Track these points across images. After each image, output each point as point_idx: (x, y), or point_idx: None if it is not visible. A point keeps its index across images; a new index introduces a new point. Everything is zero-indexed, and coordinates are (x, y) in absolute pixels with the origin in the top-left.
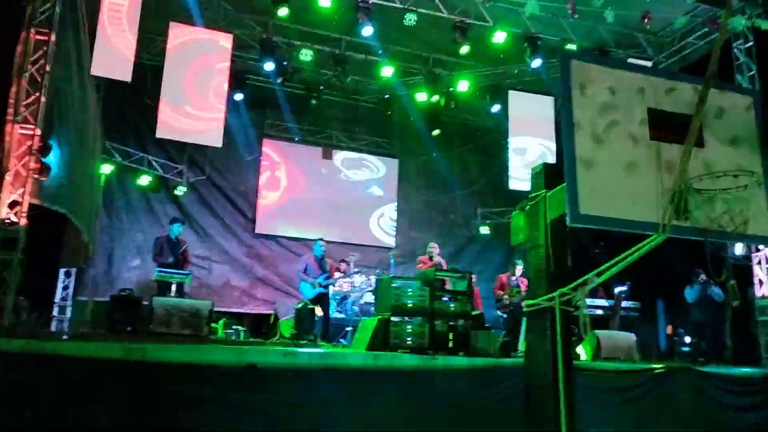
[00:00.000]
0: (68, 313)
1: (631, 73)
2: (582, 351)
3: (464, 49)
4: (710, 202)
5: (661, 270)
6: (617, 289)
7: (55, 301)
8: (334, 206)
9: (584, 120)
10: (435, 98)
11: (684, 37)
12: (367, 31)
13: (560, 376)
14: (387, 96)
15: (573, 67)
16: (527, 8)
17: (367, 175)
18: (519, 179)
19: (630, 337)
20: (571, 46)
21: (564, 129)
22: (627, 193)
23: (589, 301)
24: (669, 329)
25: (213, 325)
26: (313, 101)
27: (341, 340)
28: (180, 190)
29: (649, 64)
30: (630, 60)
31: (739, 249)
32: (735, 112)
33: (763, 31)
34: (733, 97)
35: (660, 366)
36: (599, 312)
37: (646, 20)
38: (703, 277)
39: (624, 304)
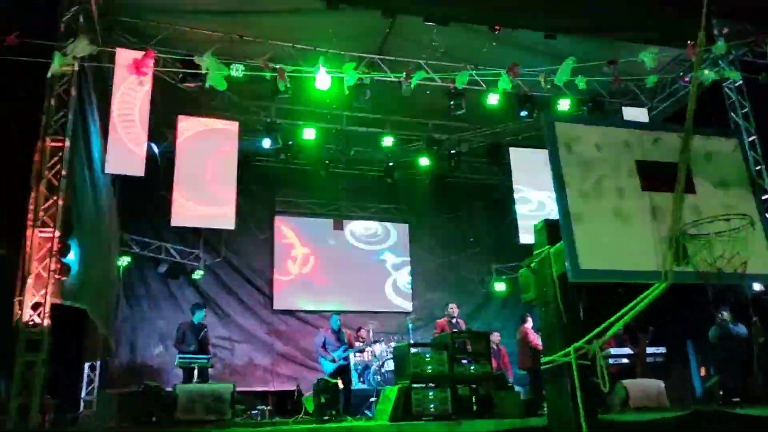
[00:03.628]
0: (95, 408)
1: (615, 129)
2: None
3: (460, 113)
4: (708, 246)
5: (687, 311)
6: (641, 336)
7: (82, 396)
8: (349, 276)
9: (573, 177)
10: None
11: (675, 80)
12: (359, 101)
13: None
14: (391, 164)
15: (557, 128)
16: (500, 84)
17: (379, 242)
18: (529, 233)
19: (659, 384)
20: (564, 101)
21: (555, 188)
22: (625, 244)
23: (613, 350)
24: (702, 371)
25: (239, 406)
26: (321, 175)
27: (366, 411)
28: (197, 274)
29: (643, 110)
30: (624, 108)
31: (758, 285)
32: (722, 155)
33: (752, 68)
34: (718, 141)
35: (687, 411)
36: (624, 361)
37: (615, 83)
38: (725, 314)
39: (650, 350)
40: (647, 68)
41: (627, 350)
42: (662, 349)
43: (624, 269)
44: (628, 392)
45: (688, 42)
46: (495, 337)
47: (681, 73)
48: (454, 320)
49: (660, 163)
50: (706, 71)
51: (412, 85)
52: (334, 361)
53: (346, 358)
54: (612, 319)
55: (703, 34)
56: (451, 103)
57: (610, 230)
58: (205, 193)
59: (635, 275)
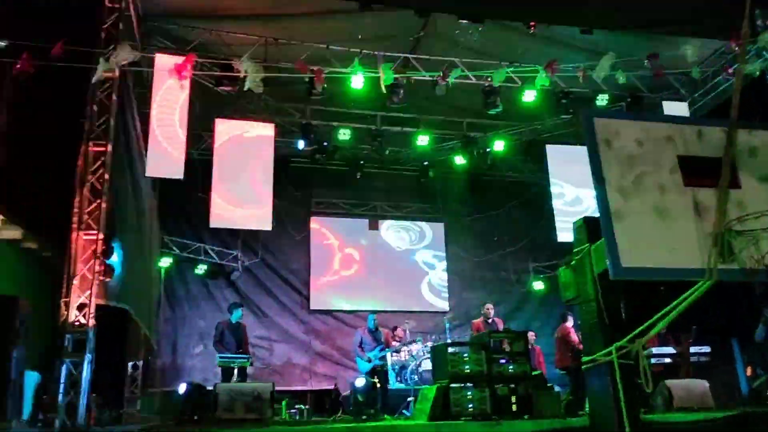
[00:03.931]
0: (138, 406)
1: (657, 123)
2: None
3: (496, 111)
4: (755, 242)
5: (732, 310)
6: (684, 335)
7: (125, 394)
8: (385, 275)
9: (613, 174)
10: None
11: (717, 73)
12: (393, 101)
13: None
14: (426, 163)
15: (596, 124)
16: (537, 81)
17: (415, 242)
18: (567, 231)
19: (703, 384)
20: (603, 96)
21: (594, 185)
22: (667, 241)
23: (656, 350)
24: (749, 371)
25: (276, 406)
26: (357, 174)
27: (404, 411)
28: (236, 275)
29: (684, 105)
30: (664, 102)
31: None
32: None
33: None
34: (764, 135)
35: (733, 412)
36: (667, 360)
37: (657, 77)
38: None
39: (693, 349)
40: (688, 61)
41: (669, 349)
42: (706, 349)
43: (667, 267)
44: (672, 392)
45: (731, 34)
46: (530, 336)
47: (724, 65)
48: (490, 320)
49: (703, 158)
50: (751, 63)
51: (450, 83)
52: (369, 361)
53: (382, 358)
54: (655, 317)
55: (746, 25)
56: (487, 101)
57: (652, 227)
58: (242, 195)
59: (678, 273)
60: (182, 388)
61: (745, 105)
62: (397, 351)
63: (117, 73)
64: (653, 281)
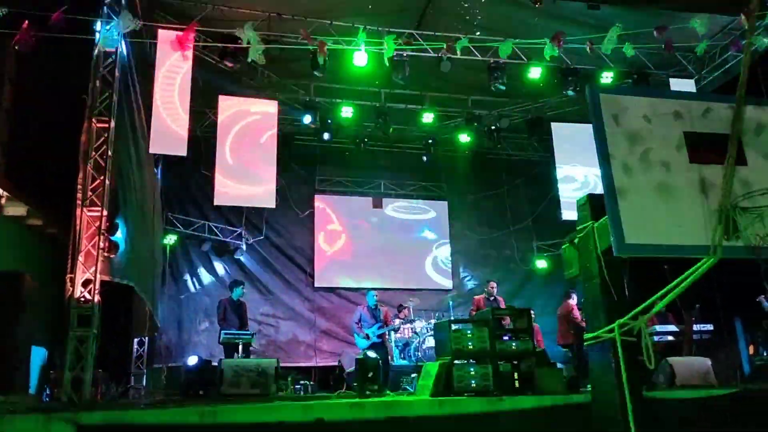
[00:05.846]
0: (144, 381)
1: (665, 99)
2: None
3: (501, 88)
4: (760, 219)
5: (735, 287)
6: (687, 313)
7: (131, 370)
8: (389, 253)
9: (619, 150)
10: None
11: (725, 50)
12: (397, 75)
13: (629, 408)
14: (430, 141)
15: (603, 100)
16: (546, 51)
17: (419, 220)
18: (571, 209)
19: (705, 362)
20: (608, 74)
21: (599, 161)
22: (671, 218)
23: (659, 328)
24: (751, 349)
25: (282, 382)
26: (360, 152)
27: (407, 387)
28: (240, 252)
29: (691, 81)
30: (671, 79)
31: None
32: None
33: None
34: None
35: (735, 390)
36: (670, 338)
37: (667, 49)
38: None
39: (696, 327)
40: (698, 35)
41: (672, 327)
42: (709, 327)
43: (671, 244)
44: (674, 370)
45: (742, 9)
46: None
47: (732, 40)
48: (492, 298)
49: (710, 134)
50: (761, 36)
51: (452, 63)
52: (366, 337)
53: (380, 336)
54: (657, 295)
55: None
56: (492, 77)
57: (657, 204)
58: (246, 173)
59: (682, 250)
60: (193, 360)
61: (753, 81)
62: (396, 329)
63: (119, 47)
64: (657, 258)
